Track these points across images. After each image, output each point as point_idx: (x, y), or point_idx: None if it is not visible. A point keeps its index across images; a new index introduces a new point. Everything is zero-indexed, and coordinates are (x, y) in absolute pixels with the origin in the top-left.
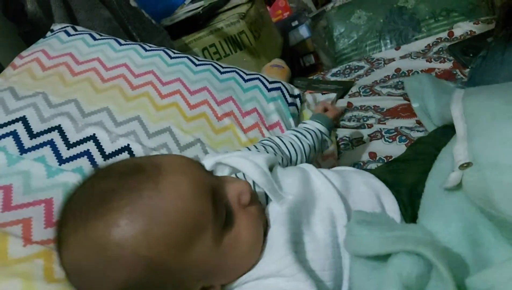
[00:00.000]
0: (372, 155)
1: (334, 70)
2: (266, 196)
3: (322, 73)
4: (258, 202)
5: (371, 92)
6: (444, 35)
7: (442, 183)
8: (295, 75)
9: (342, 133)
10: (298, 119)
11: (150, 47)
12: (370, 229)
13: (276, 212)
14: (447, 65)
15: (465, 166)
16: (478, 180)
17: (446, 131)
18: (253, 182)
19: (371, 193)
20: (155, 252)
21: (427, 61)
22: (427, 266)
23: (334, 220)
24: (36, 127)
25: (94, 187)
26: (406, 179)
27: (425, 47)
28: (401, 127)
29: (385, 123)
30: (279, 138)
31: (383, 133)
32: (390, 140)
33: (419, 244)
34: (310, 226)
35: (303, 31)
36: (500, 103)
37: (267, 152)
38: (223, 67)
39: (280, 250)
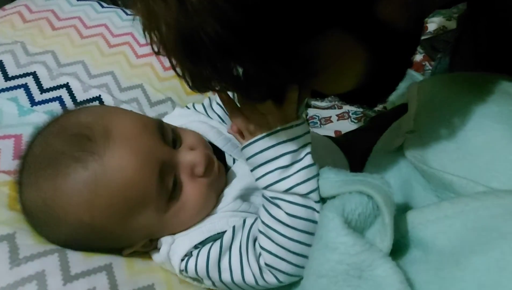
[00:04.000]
0: (338, 133)
1: None
2: None
3: None
4: (216, 167)
5: None
6: None
7: (386, 147)
8: None
9: (312, 112)
10: None
11: (132, 12)
12: (337, 173)
13: (240, 168)
14: (418, 57)
15: (409, 132)
16: (417, 143)
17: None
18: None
19: (328, 156)
20: (97, 220)
21: None
22: (375, 211)
23: None
24: (12, 71)
25: (48, 143)
26: (361, 146)
27: None
28: (368, 111)
29: (354, 106)
30: None
31: (350, 114)
32: (356, 121)
33: (374, 188)
34: None
35: None
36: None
37: None
38: None
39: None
